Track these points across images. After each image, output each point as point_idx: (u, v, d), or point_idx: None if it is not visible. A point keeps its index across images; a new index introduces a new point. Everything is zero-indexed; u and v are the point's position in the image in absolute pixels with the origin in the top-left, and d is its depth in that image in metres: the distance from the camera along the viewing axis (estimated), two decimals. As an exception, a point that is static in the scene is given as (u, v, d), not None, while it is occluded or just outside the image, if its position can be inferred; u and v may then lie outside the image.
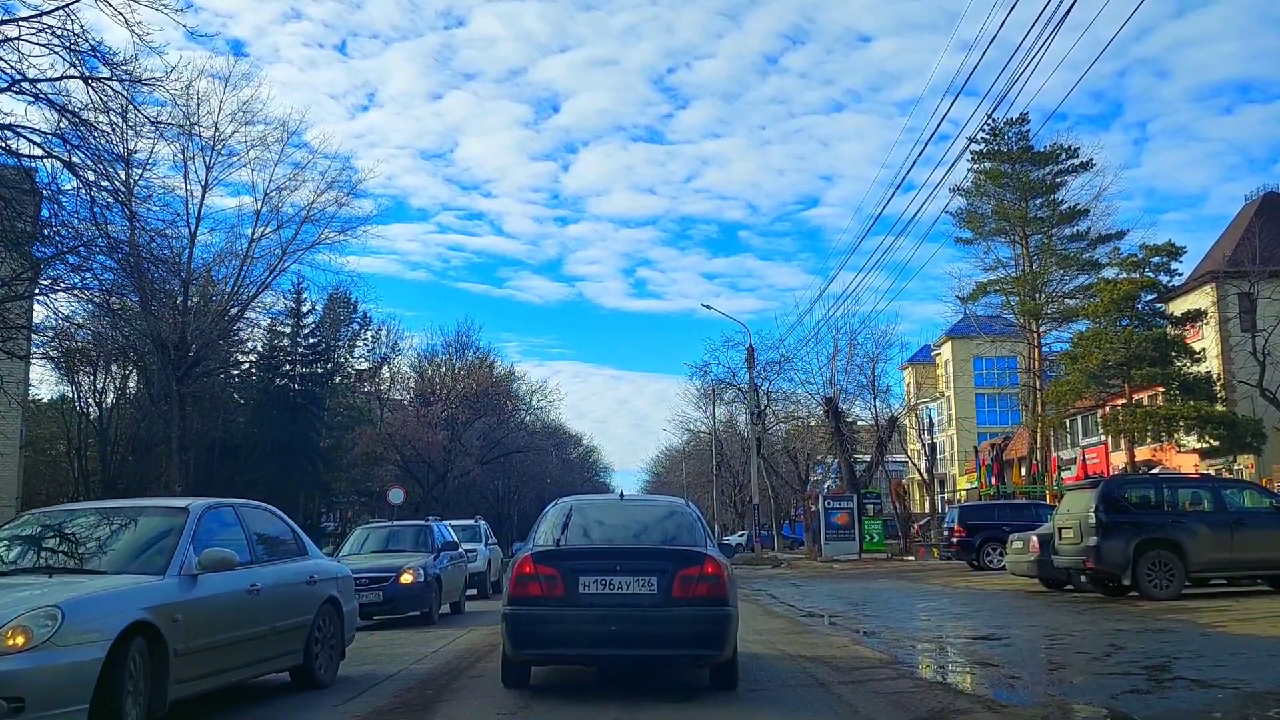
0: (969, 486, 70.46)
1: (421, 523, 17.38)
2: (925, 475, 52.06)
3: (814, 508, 43.55)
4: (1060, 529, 15.99)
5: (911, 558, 37.23)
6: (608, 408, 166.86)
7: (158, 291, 38.63)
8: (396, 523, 20.26)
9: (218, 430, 45.87)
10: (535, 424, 67.03)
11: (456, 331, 52.74)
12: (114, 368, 43.45)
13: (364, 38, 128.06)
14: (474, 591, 19.75)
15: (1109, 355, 34.91)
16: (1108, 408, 38.07)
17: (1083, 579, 16.03)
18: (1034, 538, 17.47)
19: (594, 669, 8.29)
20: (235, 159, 37.45)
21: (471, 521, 22.58)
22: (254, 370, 45.93)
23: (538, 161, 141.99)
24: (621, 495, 10.82)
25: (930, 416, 56.64)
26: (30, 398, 44.81)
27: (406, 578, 14.15)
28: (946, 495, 65.76)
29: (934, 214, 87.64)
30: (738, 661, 7.75)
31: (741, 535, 59.74)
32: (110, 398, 43.91)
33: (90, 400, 43.10)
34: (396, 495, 34.53)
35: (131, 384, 44.51)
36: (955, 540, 26.58)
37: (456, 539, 17.23)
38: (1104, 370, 35.50)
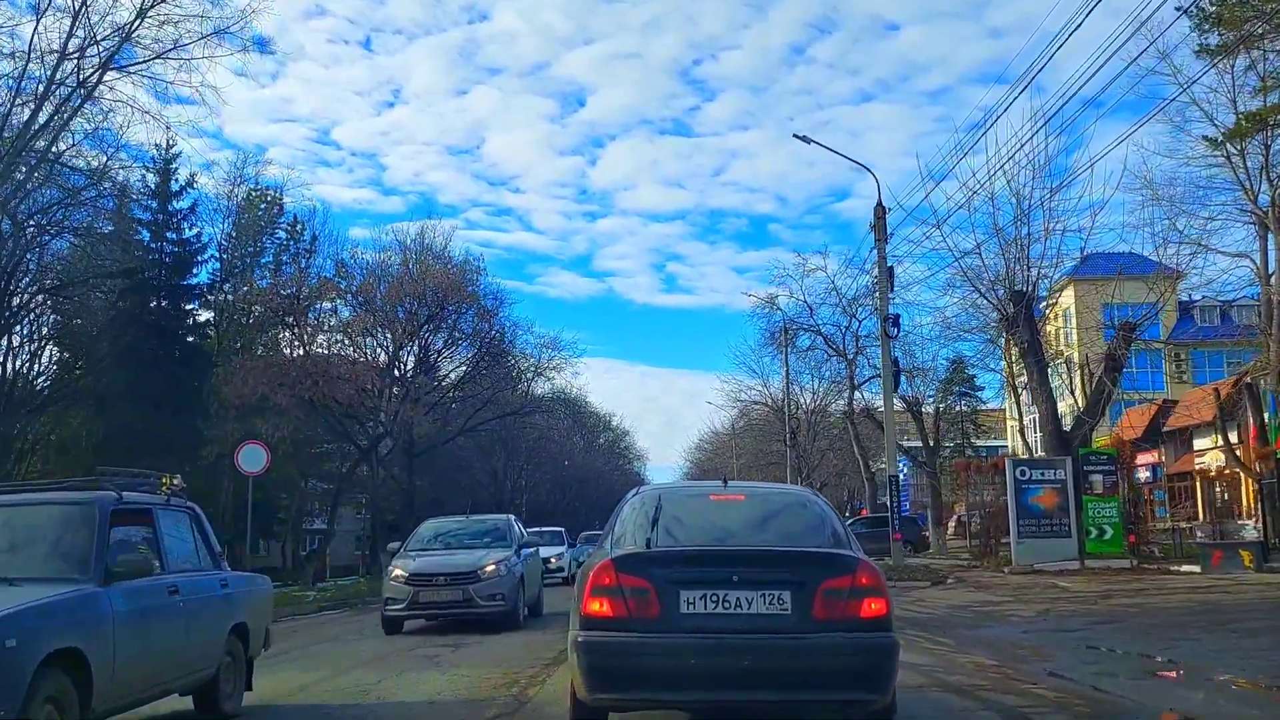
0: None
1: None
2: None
3: (972, 484, 27.41)
4: None
5: (1194, 569, 21.00)
6: (640, 404, 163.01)
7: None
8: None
9: (80, 376, 30.59)
10: (544, 387, 51.30)
11: (420, 231, 36.29)
12: None
13: (388, 33, 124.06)
14: None
15: None
16: None
17: None
18: None
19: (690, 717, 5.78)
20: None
21: None
22: (110, 285, 30.15)
23: (564, 156, 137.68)
24: (725, 482, 6.78)
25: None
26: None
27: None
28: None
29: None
30: (897, 704, 5.60)
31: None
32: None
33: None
34: (252, 456, 18.57)
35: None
36: None
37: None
38: None
